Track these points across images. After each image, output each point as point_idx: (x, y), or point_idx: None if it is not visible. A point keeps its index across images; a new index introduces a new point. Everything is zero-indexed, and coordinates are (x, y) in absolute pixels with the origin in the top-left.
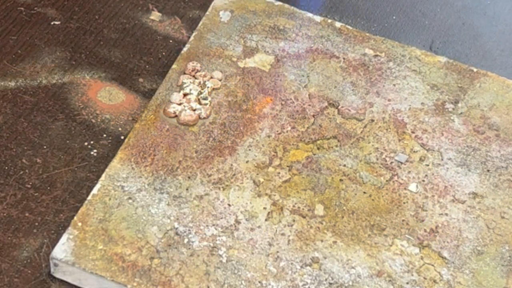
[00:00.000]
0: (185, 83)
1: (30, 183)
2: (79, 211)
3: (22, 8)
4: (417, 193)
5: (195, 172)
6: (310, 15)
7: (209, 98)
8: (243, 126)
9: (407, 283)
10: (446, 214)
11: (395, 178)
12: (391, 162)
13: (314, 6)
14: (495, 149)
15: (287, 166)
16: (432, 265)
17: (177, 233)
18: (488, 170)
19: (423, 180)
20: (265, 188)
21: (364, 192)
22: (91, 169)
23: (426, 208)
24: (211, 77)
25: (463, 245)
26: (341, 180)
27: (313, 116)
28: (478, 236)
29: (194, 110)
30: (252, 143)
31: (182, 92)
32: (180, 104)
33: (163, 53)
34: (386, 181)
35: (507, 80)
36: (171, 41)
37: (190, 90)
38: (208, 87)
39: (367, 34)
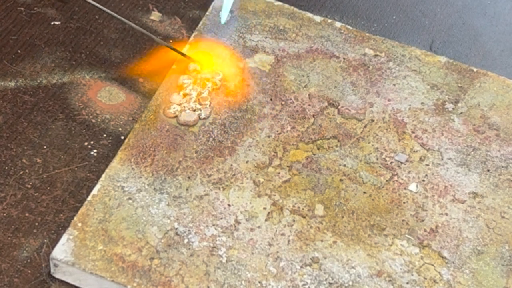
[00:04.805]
0: (185, 83)
1: (30, 183)
2: (79, 212)
3: (22, 8)
4: (417, 193)
5: (195, 172)
6: (310, 15)
7: (209, 98)
8: (243, 126)
9: (407, 283)
10: (446, 214)
11: (395, 178)
12: (391, 162)
13: None
14: (495, 148)
15: (287, 166)
16: (432, 265)
17: (177, 233)
18: (488, 170)
19: (423, 180)
20: (265, 188)
21: (364, 192)
22: (91, 169)
23: (426, 208)
24: (211, 77)
25: (463, 245)
26: (341, 180)
27: (313, 116)
28: (478, 236)
29: (194, 110)
30: (252, 143)
31: (182, 92)
32: (180, 104)
33: None
34: (386, 181)
35: (507, 80)
36: (171, 41)
37: (190, 90)
38: (208, 87)
39: (367, 34)
